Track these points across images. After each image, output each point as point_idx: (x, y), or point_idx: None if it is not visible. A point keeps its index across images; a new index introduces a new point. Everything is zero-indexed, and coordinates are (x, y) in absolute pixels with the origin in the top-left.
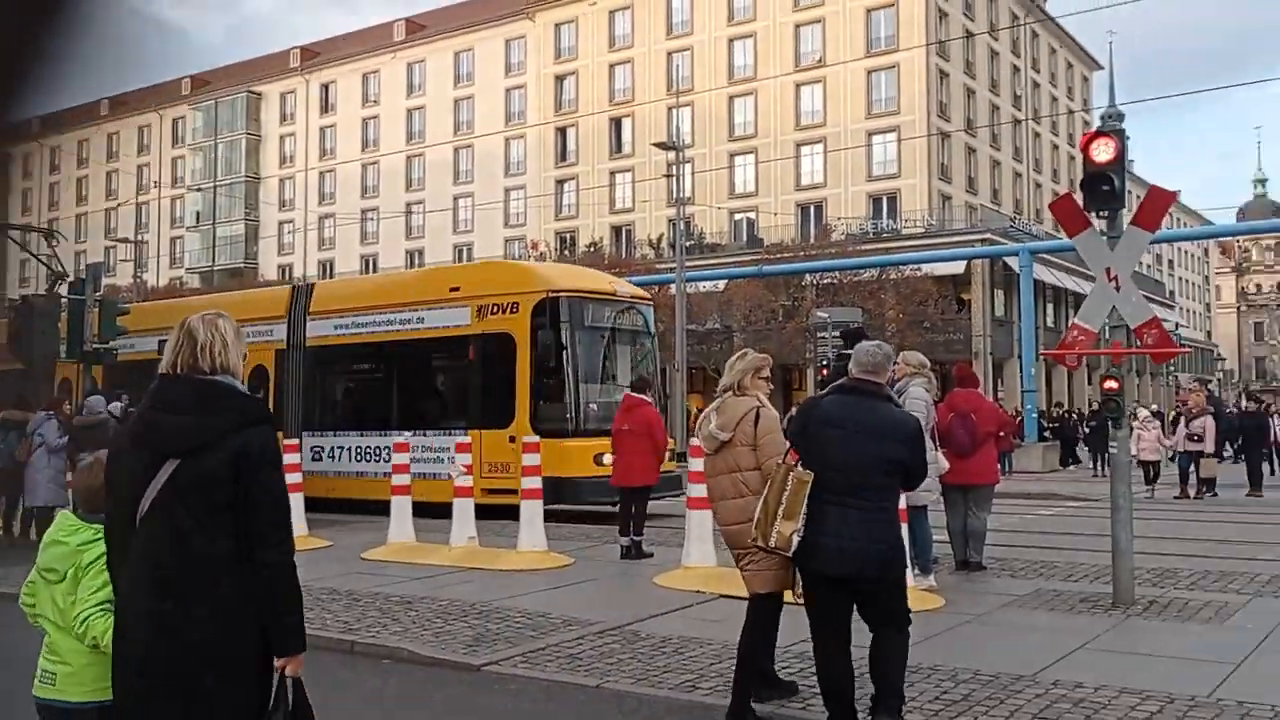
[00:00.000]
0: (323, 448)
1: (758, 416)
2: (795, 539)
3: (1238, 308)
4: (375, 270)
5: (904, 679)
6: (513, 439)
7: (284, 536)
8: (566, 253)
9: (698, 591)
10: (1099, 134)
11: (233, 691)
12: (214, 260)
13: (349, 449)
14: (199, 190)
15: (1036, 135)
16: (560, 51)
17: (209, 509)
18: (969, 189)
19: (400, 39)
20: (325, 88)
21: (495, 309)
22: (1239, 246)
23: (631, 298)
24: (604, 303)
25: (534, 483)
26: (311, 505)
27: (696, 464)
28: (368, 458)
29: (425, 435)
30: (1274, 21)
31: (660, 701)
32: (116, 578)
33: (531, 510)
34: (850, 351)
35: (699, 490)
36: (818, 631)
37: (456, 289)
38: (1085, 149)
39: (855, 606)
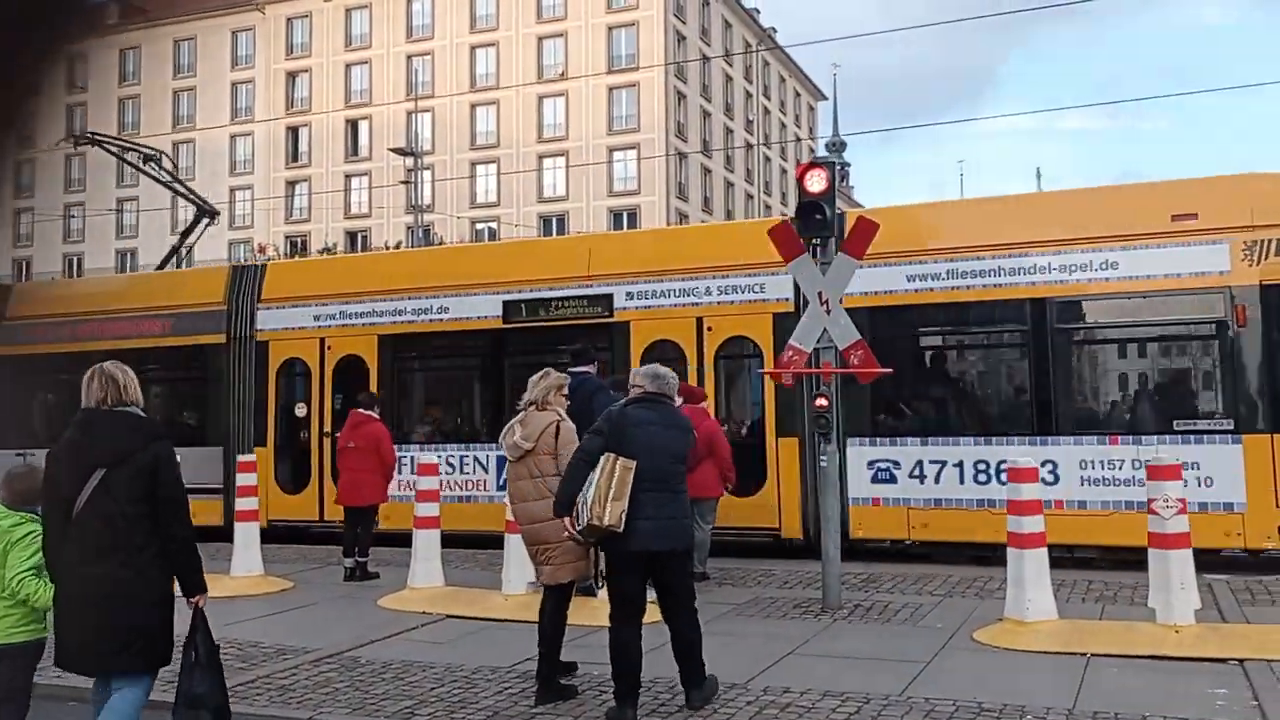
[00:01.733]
0: (897, 462)
1: (558, 429)
2: (624, 517)
3: None
4: (79, 274)
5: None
6: None
7: (186, 515)
8: (298, 257)
9: (423, 613)
10: (813, 165)
11: (157, 617)
12: None
13: (962, 464)
14: None
15: (767, 160)
16: (292, 47)
17: (132, 500)
18: (704, 208)
19: (114, 22)
20: None
21: None
22: None
23: None
24: None
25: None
26: (873, 554)
27: (426, 482)
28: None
29: (1116, 442)
30: (976, 65)
31: None
32: (57, 550)
33: (247, 533)
34: (580, 368)
35: (428, 509)
36: (622, 609)
37: (1190, 215)
38: (800, 179)
39: (657, 590)
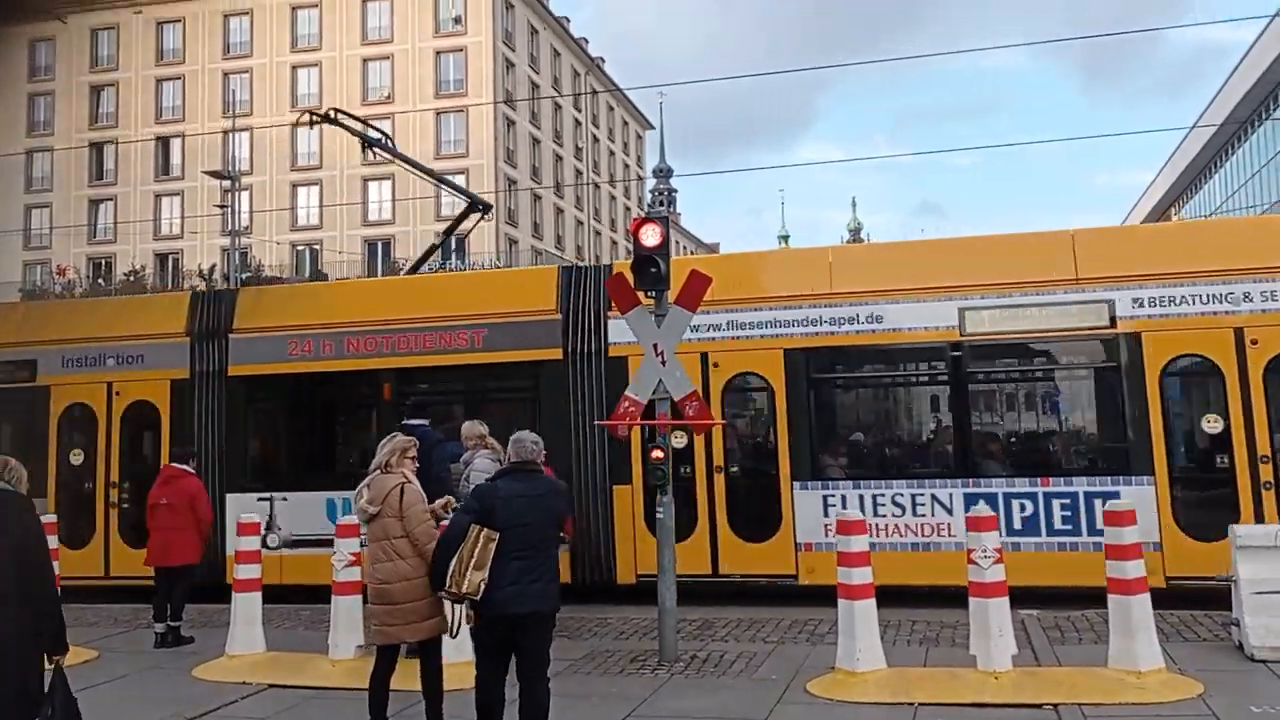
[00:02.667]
0: None
1: (403, 491)
2: (482, 585)
3: None
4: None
5: None
6: None
7: (54, 580)
8: (101, 281)
9: (243, 683)
10: (647, 220)
11: (34, 672)
12: None
13: None
14: None
15: (597, 186)
16: (97, 60)
17: (8, 569)
18: (535, 234)
19: None
20: None
21: None
22: None
23: None
24: None
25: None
26: None
27: (246, 542)
28: None
29: None
30: (794, 95)
31: None
32: None
33: None
34: (415, 421)
35: (249, 571)
36: (485, 664)
37: None
38: (635, 234)
39: (515, 652)
